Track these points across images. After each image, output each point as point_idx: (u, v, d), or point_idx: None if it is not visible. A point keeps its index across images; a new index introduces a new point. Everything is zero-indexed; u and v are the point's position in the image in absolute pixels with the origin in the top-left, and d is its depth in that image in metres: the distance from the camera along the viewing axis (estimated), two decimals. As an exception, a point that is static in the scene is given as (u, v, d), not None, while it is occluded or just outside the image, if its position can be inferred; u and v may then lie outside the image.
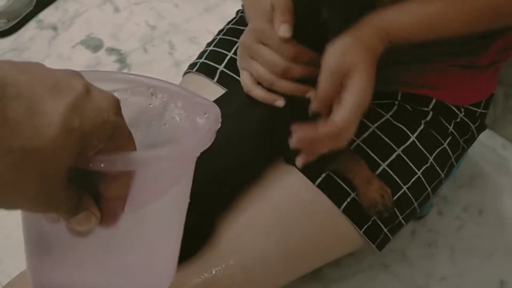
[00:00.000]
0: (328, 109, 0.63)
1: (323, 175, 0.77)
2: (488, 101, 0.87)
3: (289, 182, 0.78)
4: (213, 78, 0.86)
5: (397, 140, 0.79)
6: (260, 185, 0.78)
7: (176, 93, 0.45)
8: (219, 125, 0.40)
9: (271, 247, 0.76)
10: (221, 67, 0.86)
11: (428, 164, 0.80)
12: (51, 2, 1.66)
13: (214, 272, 0.74)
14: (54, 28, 1.59)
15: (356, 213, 0.77)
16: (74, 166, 0.32)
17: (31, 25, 1.60)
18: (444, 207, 1.12)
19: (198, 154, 0.40)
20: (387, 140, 0.79)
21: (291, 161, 0.77)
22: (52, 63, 1.56)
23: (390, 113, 0.81)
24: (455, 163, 0.84)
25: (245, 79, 0.74)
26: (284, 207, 0.77)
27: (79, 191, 0.34)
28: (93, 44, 1.54)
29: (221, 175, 0.73)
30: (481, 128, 0.88)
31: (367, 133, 0.79)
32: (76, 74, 0.33)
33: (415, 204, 0.81)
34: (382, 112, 0.81)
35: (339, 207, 0.77)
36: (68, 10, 1.64)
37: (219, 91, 0.83)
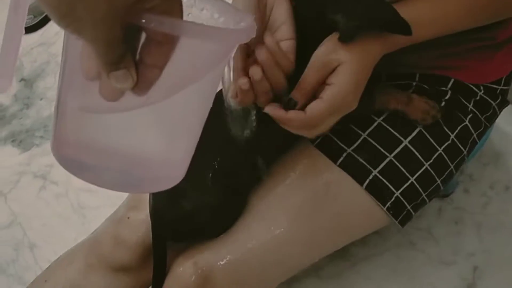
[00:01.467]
0: (307, 100, 0.64)
1: (344, 155, 0.78)
2: (509, 78, 0.86)
3: (312, 164, 0.79)
4: None
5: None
6: (283, 168, 0.80)
7: (213, 3, 0.46)
8: (254, 34, 0.41)
9: (297, 229, 0.78)
10: None
11: (449, 142, 0.81)
12: (77, -4, 1.70)
13: (242, 253, 0.76)
14: (81, 22, 1.62)
15: (378, 191, 0.78)
16: (128, 20, 0.34)
17: (57, 20, 1.64)
18: (470, 185, 1.12)
19: (234, 50, 0.42)
20: (407, 117, 0.80)
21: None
22: (79, 56, 1.59)
23: (410, 91, 0.82)
24: (477, 140, 0.85)
25: None
26: (308, 189, 0.79)
27: (125, 48, 0.36)
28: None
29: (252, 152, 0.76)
30: (503, 105, 0.87)
31: (387, 112, 0.80)
32: None
33: (438, 181, 0.82)
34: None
35: (361, 185, 0.78)
36: (94, 3, 1.67)
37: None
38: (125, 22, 0.35)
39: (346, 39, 0.64)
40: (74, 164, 0.42)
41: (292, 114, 0.63)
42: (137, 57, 0.38)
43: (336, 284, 1.00)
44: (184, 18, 0.38)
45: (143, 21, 0.35)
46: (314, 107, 0.63)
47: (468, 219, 1.07)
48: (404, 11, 0.64)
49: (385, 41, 0.66)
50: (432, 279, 1.00)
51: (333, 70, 0.64)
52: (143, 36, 0.38)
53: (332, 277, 1.01)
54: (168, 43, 0.37)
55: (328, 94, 0.63)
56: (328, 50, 0.64)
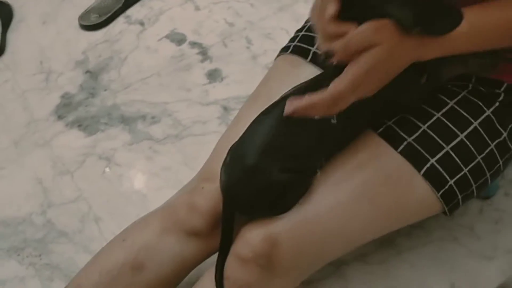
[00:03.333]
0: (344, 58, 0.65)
1: (404, 143, 0.86)
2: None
3: (375, 149, 0.87)
4: (306, 58, 0.96)
5: (473, 113, 0.87)
6: (348, 151, 0.88)
7: None
8: None
9: (358, 207, 0.85)
10: (313, 49, 0.97)
11: (501, 139, 0.88)
12: (138, 0, 1.81)
13: (308, 223, 0.83)
14: (141, 23, 1.73)
15: (434, 178, 0.86)
16: None
17: (120, 20, 1.75)
18: (511, 189, 1.19)
19: None
20: (464, 113, 0.87)
21: None
22: (141, 54, 1.70)
23: (466, 91, 0.90)
24: (525, 140, 0.92)
25: None
26: (371, 172, 0.86)
27: None
28: (177, 38, 1.68)
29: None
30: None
31: (446, 108, 0.88)
32: None
33: (488, 174, 0.89)
34: (458, 90, 0.90)
35: (419, 171, 0.85)
36: (153, 7, 1.78)
37: (312, 69, 0.95)
38: None
39: (407, 27, 0.67)
40: None
41: (317, 96, 0.66)
42: None
43: (382, 269, 1.07)
44: None
45: None
46: (337, 85, 0.66)
47: (508, 219, 1.13)
48: None
49: (417, 49, 0.70)
50: (473, 270, 1.07)
51: (370, 47, 0.65)
52: None
53: (378, 263, 1.08)
54: None
55: (354, 71, 0.65)
56: (373, 28, 0.66)
